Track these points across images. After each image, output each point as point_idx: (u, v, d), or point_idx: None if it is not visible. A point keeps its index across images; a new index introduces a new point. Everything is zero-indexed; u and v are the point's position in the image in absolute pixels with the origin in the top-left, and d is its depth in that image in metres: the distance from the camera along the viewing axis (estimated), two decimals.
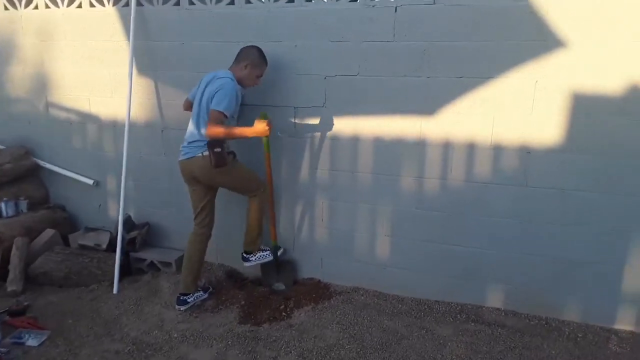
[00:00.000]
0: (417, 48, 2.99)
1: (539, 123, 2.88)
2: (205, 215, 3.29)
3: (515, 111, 2.90)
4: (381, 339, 2.92)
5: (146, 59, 3.67)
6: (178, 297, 3.30)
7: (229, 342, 2.90)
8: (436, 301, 3.34)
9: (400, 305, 3.30)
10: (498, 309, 3.23)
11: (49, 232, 3.95)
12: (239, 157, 3.34)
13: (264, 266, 3.62)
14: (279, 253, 3.60)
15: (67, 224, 4.23)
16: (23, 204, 4.08)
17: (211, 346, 2.88)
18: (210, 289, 3.50)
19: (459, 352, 2.79)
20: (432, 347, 2.83)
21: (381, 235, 3.40)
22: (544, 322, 3.10)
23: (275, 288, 3.57)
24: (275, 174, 3.51)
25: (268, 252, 3.51)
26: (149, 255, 3.89)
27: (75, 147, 4.16)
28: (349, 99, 3.22)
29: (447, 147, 3.11)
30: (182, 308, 3.27)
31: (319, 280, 3.62)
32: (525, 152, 2.95)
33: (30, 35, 4.00)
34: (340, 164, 3.38)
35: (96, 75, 3.86)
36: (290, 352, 2.80)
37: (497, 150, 3.01)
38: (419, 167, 3.20)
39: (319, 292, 3.47)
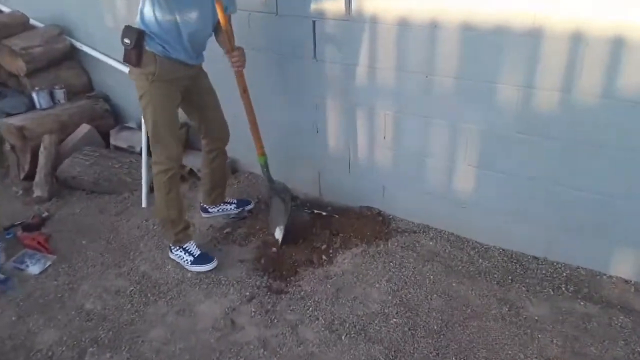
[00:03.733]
0: None
1: None
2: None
3: None
4: (441, 314, 2.14)
5: None
6: None
7: (247, 294, 2.32)
8: (534, 258, 2.43)
9: (480, 260, 2.44)
10: (626, 281, 2.26)
11: (83, 128, 3.53)
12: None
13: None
14: (247, 208, 2.93)
15: (109, 118, 3.78)
16: (59, 94, 3.64)
17: (225, 296, 2.32)
18: (251, 206, 2.96)
19: (551, 355, 1.94)
20: (512, 339, 2.00)
21: (463, 164, 2.46)
22: None
23: (276, 235, 2.69)
24: (318, 71, 2.62)
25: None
26: (188, 160, 3.33)
27: (108, 26, 3.52)
28: None
29: (576, 41, 1.96)
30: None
31: (379, 212, 2.83)
32: None
33: None
34: (410, 62, 2.37)
35: None
36: (317, 320, 2.16)
37: None
38: (528, 71, 2.11)
39: (375, 228, 2.71)
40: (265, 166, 2.67)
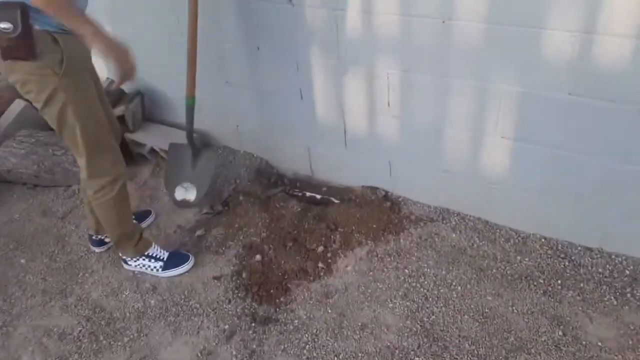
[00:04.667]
0: None
1: None
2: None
3: None
4: (477, 347, 1.64)
5: None
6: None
7: (225, 327, 1.82)
8: (587, 249, 1.90)
9: (519, 257, 1.92)
10: None
11: (16, 106, 2.87)
12: None
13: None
14: (148, 222, 2.34)
15: None
16: None
17: (198, 332, 1.82)
18: (219, 209, 2.34)
19: None
20: None
21: (494, 135, 1.86)
22: None
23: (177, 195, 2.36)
24: (296, 20, 1.98)
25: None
26: (149, 138, 2.75)
27: None
28: None
29: None
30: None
31: (386, 194, 2.28)
32: None
33: None
34: (419, 3, 1.71)
35: None
36: None
37: None
38: (585, 12, 1.46)
39: (383, 217, 2.16)
40: (192, 109, 2.18)
